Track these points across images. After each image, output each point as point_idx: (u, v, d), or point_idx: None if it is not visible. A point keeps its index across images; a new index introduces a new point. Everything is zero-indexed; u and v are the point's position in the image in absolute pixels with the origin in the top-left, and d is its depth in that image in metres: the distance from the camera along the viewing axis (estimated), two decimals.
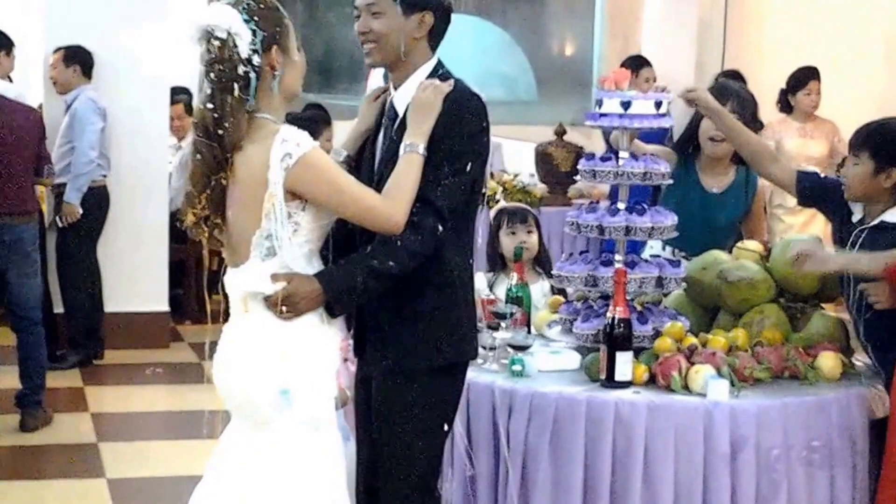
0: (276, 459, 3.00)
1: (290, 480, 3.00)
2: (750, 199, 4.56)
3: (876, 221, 3.75)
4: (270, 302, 2.99)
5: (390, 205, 3.02)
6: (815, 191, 4.01)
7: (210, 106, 2.97)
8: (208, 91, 2.99)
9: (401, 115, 3.21)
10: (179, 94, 8.08)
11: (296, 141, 2.94)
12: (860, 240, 3.77)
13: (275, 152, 2.93)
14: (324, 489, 3.03)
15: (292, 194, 2.96)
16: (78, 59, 7.05)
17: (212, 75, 2.97)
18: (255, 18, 2.97)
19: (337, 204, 3.02)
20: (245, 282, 3.02)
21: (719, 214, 4.51)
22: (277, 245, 2.97)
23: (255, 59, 2.97)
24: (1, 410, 6.01)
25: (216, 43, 2.96)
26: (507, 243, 4.56)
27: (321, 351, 3.06)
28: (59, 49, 7.06)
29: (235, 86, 2.96)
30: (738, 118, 4.24)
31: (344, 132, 3.50)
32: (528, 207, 4.99)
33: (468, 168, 3.14)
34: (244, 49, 2.96)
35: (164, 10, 7.26)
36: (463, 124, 3.14)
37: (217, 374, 3.09)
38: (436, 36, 3.26)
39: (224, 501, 3.05)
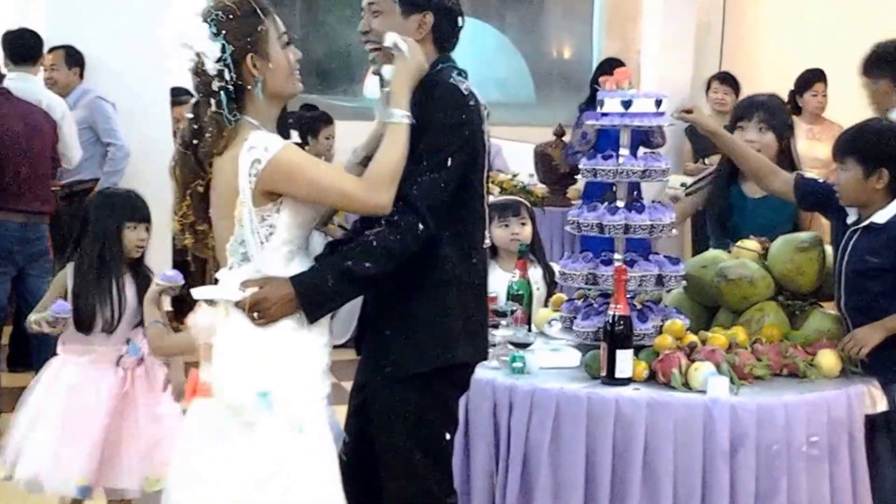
0: (262, 460, 2.93)
1: (276, 481, 2.93)
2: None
3: (866, 223, 3.77)
4: (240, 308, 2.93)
5: (371, 188, 2.92)
6: (813, 194, 4.02)
7: (191, 115, 2.96)
8: (193, 100, 2.98)
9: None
10: (182, 96, 8.08)
11: (263, 145, 2.87)
12: (852, 241, 3.79)
13: (243, 159, 2.87)
14: (312, 489, 2.96)
15: (269, 195, 2.90)
16: (78, 60, 7.02)
17: (193, 86, 2.97)
18: (224, 31, 2.90)
19: (317, 196, 2.95)
20: (217, 288, 2.97)
21: (766, 217, 4.47)
22: (250, 251, 2.92)
23: (227, 75, 2.91)
24: None
25: (192, 58, 2.94)
26: (500, 235, 4.64)
27: (302, 354, 2.97)
28: (55, 49, 6.98)
29: (212, 100, 2.92)
30: (768, 127, 4.41)
31: (345, 132, 3.49)
32: (521, 199, 5.00)
33: (449, 162, 3.02)
34: (211, 67, 2.90)
35: (165, 11, 7.25)
36: (440, 116, 3.04)
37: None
38: (442, 37, 3.22)
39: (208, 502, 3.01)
